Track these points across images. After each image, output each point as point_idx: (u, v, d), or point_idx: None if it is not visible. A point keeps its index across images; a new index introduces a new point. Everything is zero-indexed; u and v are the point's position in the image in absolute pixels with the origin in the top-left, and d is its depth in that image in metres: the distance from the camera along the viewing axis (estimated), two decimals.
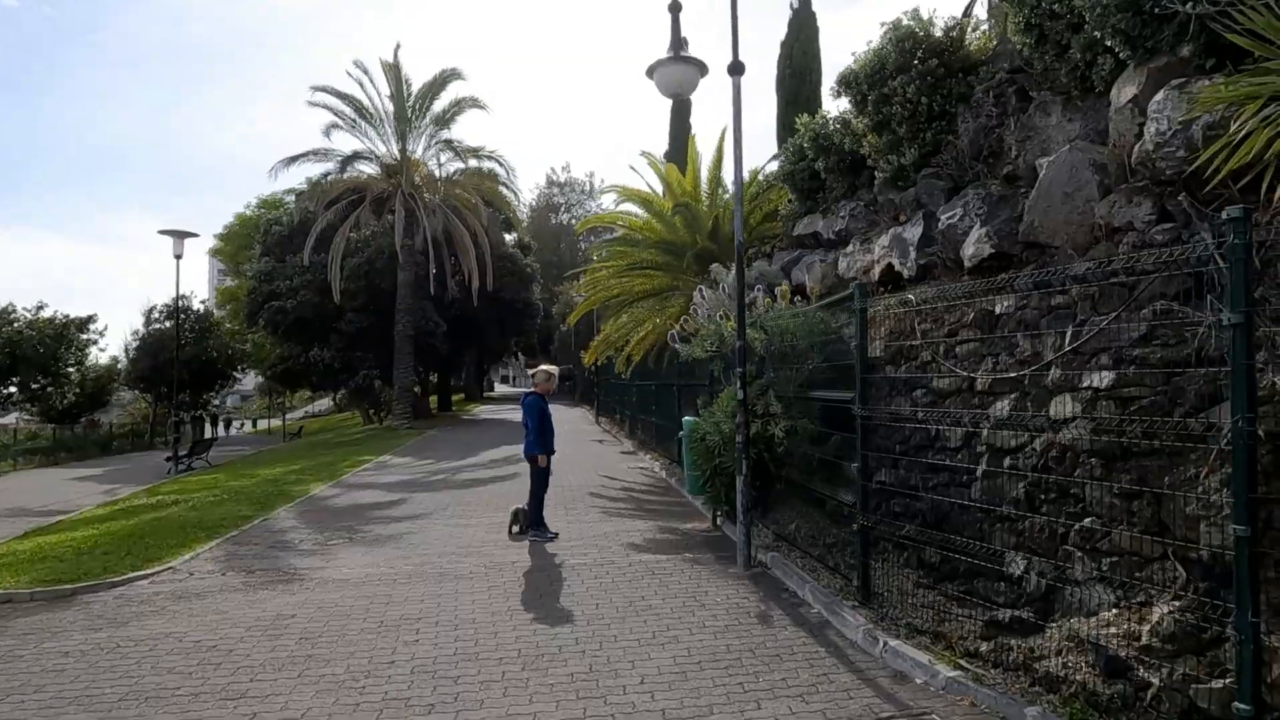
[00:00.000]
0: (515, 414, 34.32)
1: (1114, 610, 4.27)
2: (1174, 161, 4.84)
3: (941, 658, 4.51)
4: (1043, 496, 5.13)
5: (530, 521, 8.49)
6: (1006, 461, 5.54)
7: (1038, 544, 5.02)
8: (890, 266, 8.43)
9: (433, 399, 36.76)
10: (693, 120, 31.14)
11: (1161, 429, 4.49)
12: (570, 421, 27.44)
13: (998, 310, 6.26)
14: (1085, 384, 5.06)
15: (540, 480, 8.62)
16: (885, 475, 7.00)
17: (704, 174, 15.11)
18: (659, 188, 15.72)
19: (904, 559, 6.50)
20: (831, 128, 11.26)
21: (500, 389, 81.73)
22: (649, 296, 15.36)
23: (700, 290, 9.62)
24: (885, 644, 4.78)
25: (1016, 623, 4.67)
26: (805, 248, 12.07)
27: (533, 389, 8.79)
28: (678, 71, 7.19)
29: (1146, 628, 3.89)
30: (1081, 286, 5.35)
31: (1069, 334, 5.30)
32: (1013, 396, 5.70)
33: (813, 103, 18.11)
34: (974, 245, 6.73)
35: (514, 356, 55.72)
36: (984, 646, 4.53)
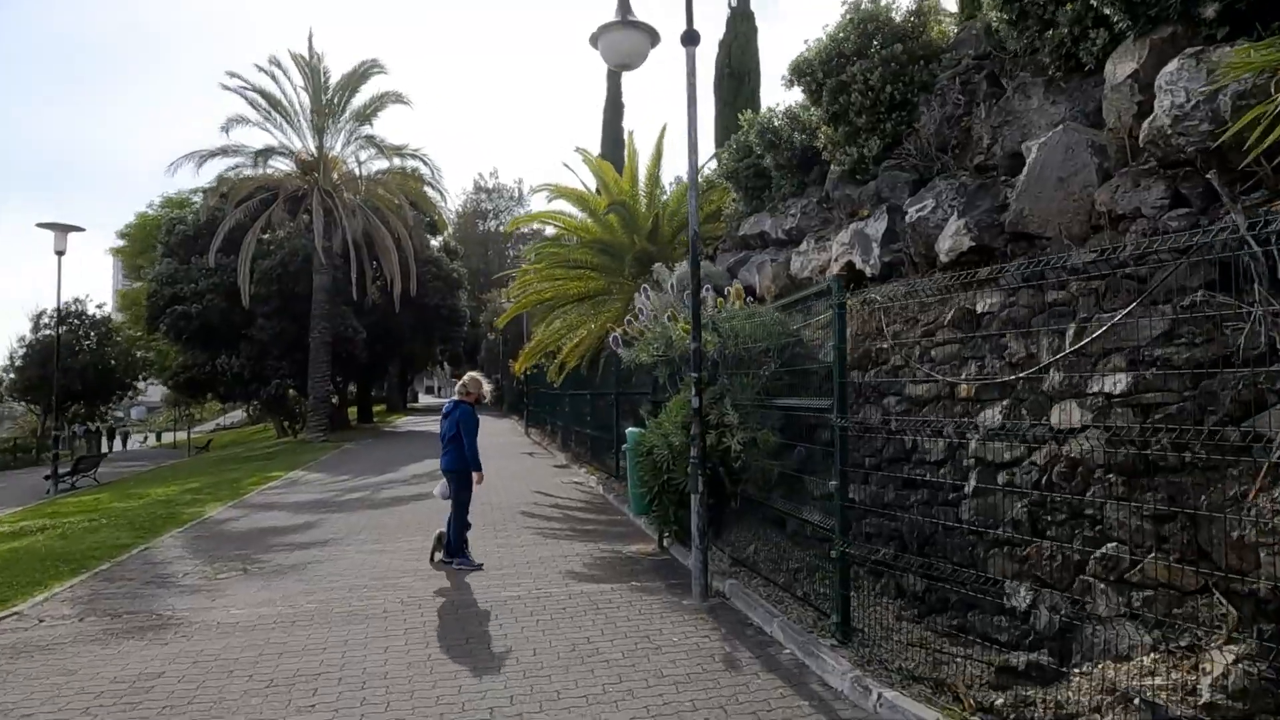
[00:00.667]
0: (439, 426, 32.85)
1: (1152, 655, 3.63)
2: (1197, 137, 4.28)
3: (951, 714, 3.80)
4: (1049, 518, 4.49)
5: (453, 547, 7.53)
6: (1001, 477, 4.90)
7: (1046, 573, 4.37)
8: (851, 264, 7.81)
9: (352, 410, 35.00)
10: (626, 124, 30.49)
11: (1194, 440, 3.90)
12: (499, 433, 26.29)
13: (980, 308, 5.66)
14: (1094, 389, 4.45)
15: (466, 501, 7.68)
16: (855, 492, 6.32)
17: (642, 172, 14.39)
18: (595, 186, 14.92)
19: (880, 586, 5.82)
20: (780, 122, 10.68)
21: (425, 399, 79.33)
22: (584, 300, 14.53)
23: (644, 291, 8.85)
24: (880, 696, 4.04)
25: (1034, 669, 3.99)
26: (751, 248, 11.44)
27: (462, 397, 7.83)
28: (625, 38, 6.41)
29: (1207, 680, 3.24)
30: (1084, 280, 4.77)
31: (1070, 333, 4.69)
32: (1004, 404, 5.08)
33: (752, 104, 17.62)
34: (951, 238, 6.14)
35: (439, 366, 53.95)
36: (998, 699, 3.84)
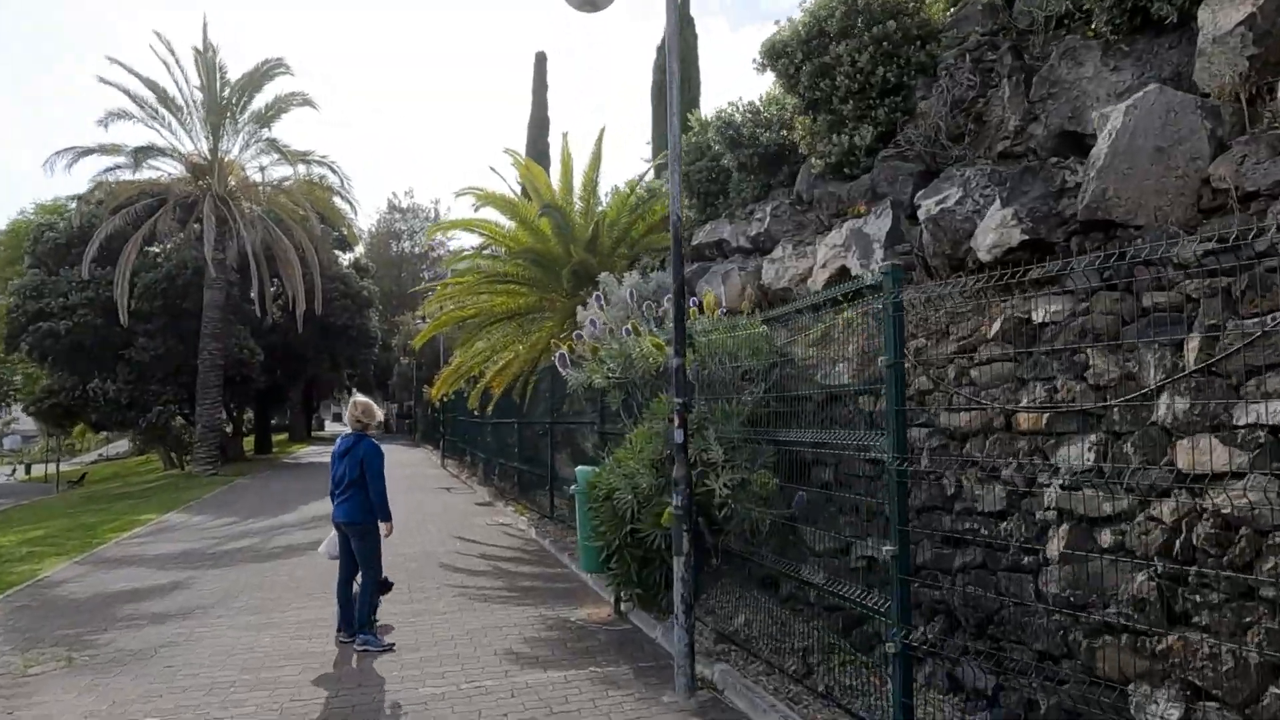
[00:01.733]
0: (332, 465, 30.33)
1: None
2: None
3: None
4: (1195, 598, 3.28)
5: (360, 621, 5.89)
6: (1106, 537, 3.68)
7: (1206, 678, 3.13)
8: (844, 270, 6.61)
9: (249, 440, 32.14)
10: (551, 141, 29.19)
11: None
12: (412, 465, 24.26)
13: (1040, 317, 4.49)
14: (1244, 419, 3.29)
15: (377, 559, 6.07)
16: (860, 548, 5.04)
17: (578, 178, 13.03)
18: (525, 194, 13.45)
19: (924, 676, 4.52)
20: (742, 117, 9.51)
21: (332, 428, 75.30)
22: (512, 318, 12.99)
23: (597, 299, 7.43)
24: None
25: None
26: (707, 259, 10.18)
27: (362, 428, 6.21)
28: None
29: None
30: (1204, 276, 3.62)
31: (1193, 345, 3.53)
32: (1092, 439, 3.89)
33: (691, 111, 16.62)
34: (995, 232, 4.97)
35: (346, 392, 50.97)
36: None
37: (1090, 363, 4.09)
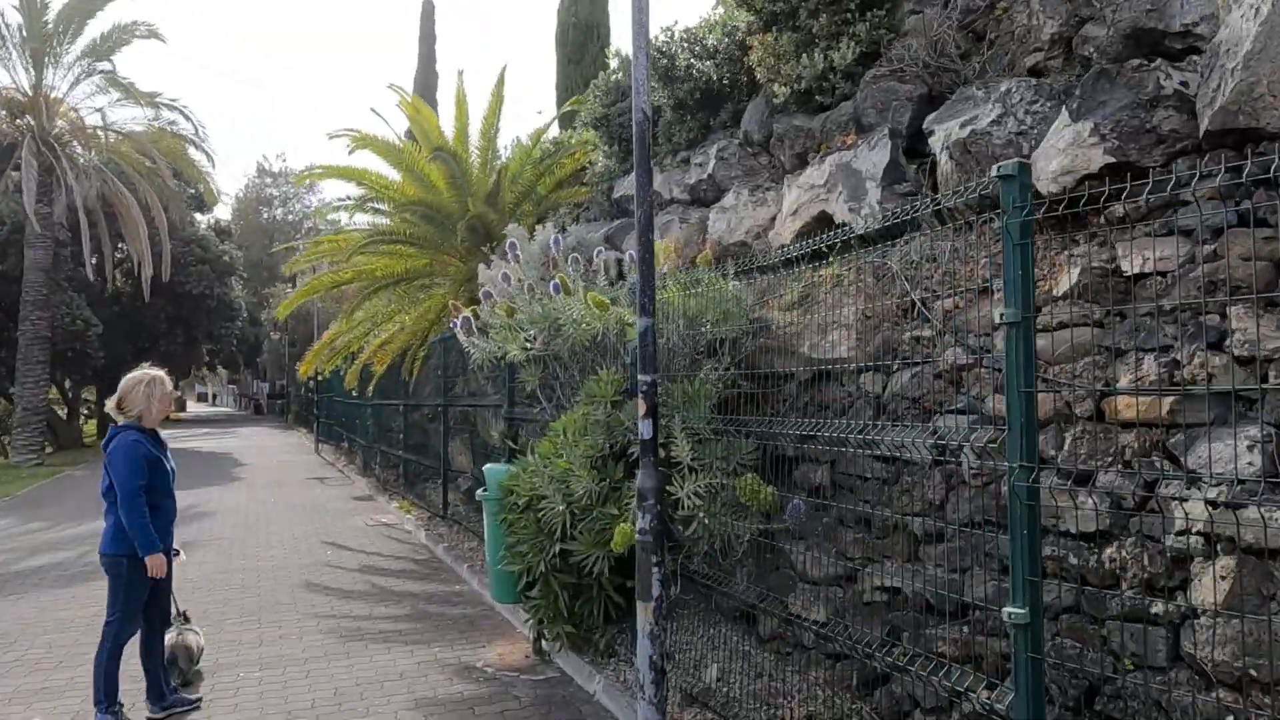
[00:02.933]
0: (207, 441, 27.24)
1: None
2: None
3: None
4: None
5: (96, 693, 4.09)
6: None
7: None
8: (825, 216, 5.30)
9: (90, 425, 28.49)
10: (439, 99, 26.86)
11: None
12: (282, 451, 21.81)
13: (1136, 265, 3.31)
14: None
15: (127, 611, 4.22)
16: (877, 574, 3.79)
17: (476, 122, 11.26)
18: (416, 142, 11.56)
19: None
20: (678, 46, 8.07)
21: (197, 409, 69.64)
22: (397, 283, 11.15)
23: (512, 245, 5.81)
24: None
25: None
26: (628, 215, 8.73)
27: (122, 419, 4.33)
28: None
29: None
30: None
31: None
32: (1252, 435, 2.72)
33: (600, 63, 15.12)
34: (1065, 155, 3.72)
35: (210, 369, 46.71)
36: None
37: (1233, 327, 2.91)
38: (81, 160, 19.88)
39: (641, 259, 3.42)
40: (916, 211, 3.49)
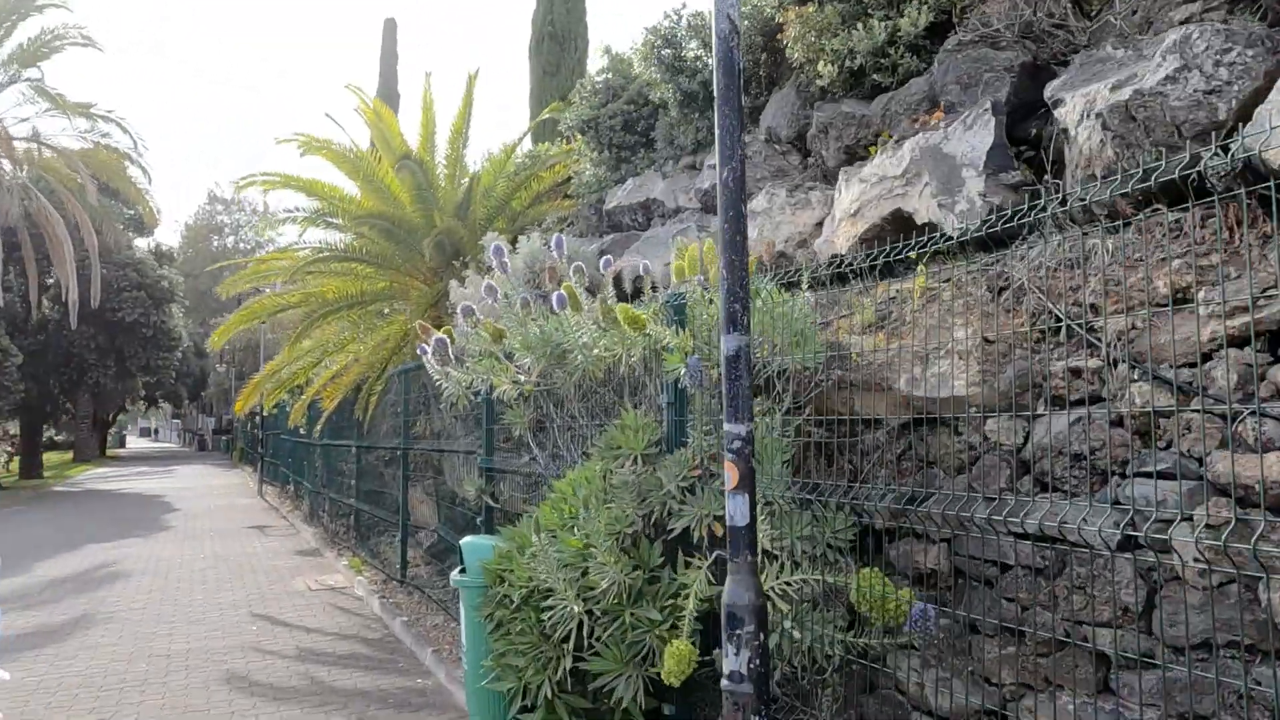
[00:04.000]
0: (140, 481, 25.04)
1: None
2: None
3: None
4: None
5: None
6: None
7: None
8: (900, 216, 4.18)
9: (13, 463, 26.21)
10: (402, 115, 25.61)
11: None
12: (223, 493, 20.02)
13: None
14: None
15: None
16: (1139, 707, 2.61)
17: (444, 129, 10.07)
18: (377, 151, 10.30)
19: None
20: (686, 33, 7.01)
21: (139, 445, 66.33)
22: (351, 307, 9.81)
23: (497, 251, 4.51)
24: None
25: None
26: (626, 229, 7.59)
27: None
28: None
29: None
30: None
31: None
32: None
33: (577, 74, 14.13)
34: None
35: (152, 403, 44.21)
36: None
37: None
38: (6, 177, 18.18)
39: (729, 243, 2.24)
40: (1111, 190, 2.38)
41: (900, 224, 4.20)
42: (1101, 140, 3.27)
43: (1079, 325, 3.03)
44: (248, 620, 7.06)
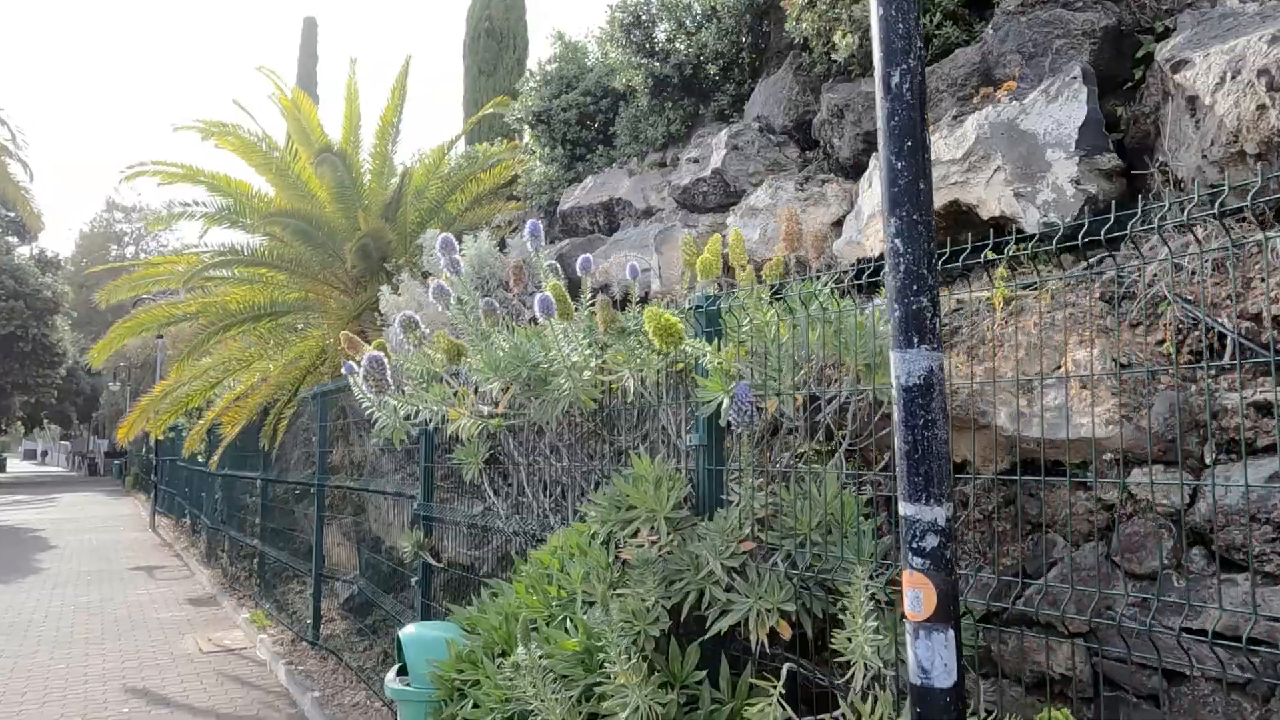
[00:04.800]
0: (16, 512, 22.44)
1: None
2: None
3: None
4: None
5: None
6: None
7: None
8: (959, 207, 3.39)
9: None
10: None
11: None
12: (110, 525, 18.02)
13: None
14: None
15: None
16: None
17: (372, 122, 8.98)
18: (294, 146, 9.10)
19: None
20: (659, 12, 6.18)
21: (21, 469, 61.23)
22: (259, 319, 8.55)
23: (444, 244, 3.48)
24: None
25: None
26: (582, 233, 6.68)
27: None
28: None
29: None
30: None
31: None
32: None
33: (516, 75, 13.23)
34: None
35: (33, 424, 40.67)
36: None
37: None
38: None
39: (904, 193, 1.35)
40: None
41: (957, 219, 3.42)
42: (1262, 106, 2.53)
43: (1252, 343, 2.27)
44: (119, 698, 5.77)
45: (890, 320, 1.34)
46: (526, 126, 7.59)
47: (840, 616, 2.01)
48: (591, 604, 2.39)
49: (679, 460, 2.65)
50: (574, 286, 5.10)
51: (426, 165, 9.26)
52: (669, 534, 2.33)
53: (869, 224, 3.82)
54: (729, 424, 2.32)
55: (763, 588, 2.16)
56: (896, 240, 1.30)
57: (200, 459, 11.93)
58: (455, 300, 3.23)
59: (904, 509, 1.30)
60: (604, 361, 2.80)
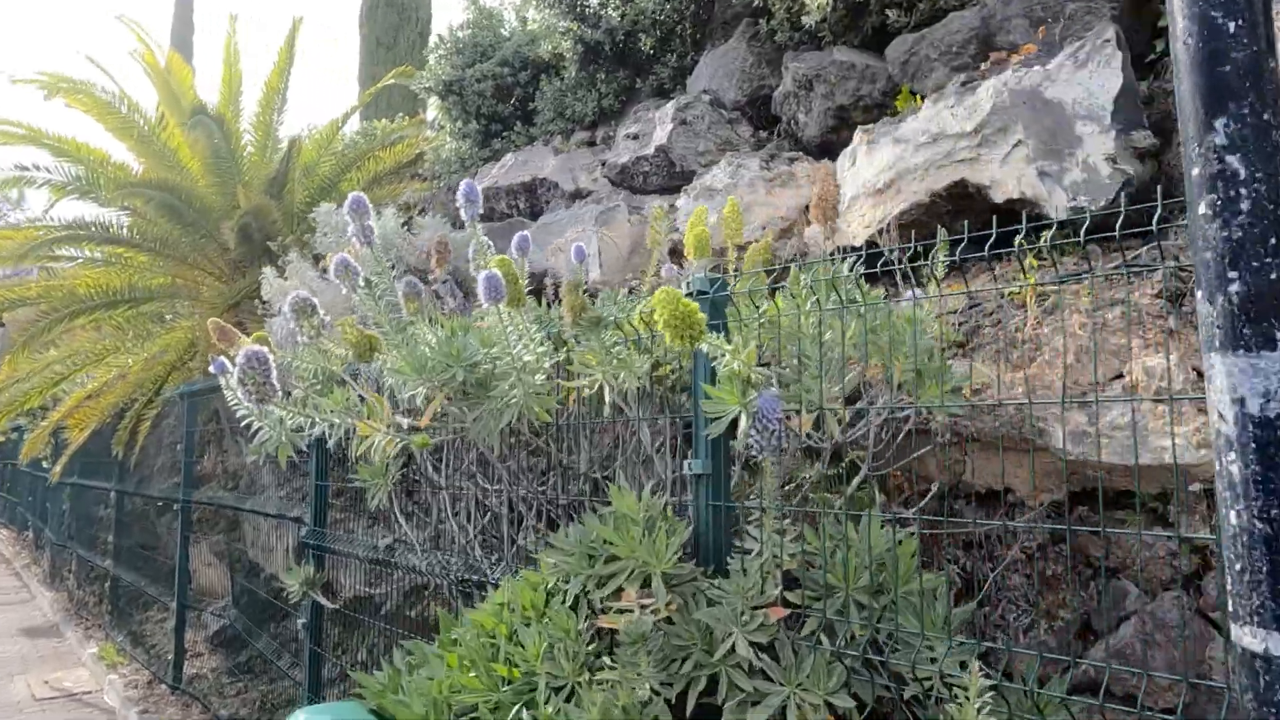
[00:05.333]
0: None
1: None
2: None
3: None
4: None
5: None
6: None
7: None
8: (966, 189, 2.94)
9: None
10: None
11: None
12: None
13: None
14: None
15: None
16: None
17: (254, 87, 7.98)
18: (152, 101, 7.95)
19: None
20: None
21: None
22: (116, 305, 7.40)
23: (358, 209, 2.78)
24: None
25: None
26: (496, 217, 6.00)
27: None
28: None
29: None
30: None
31: None
32: None
33: (419, 48, 12.40)
34: None
35: None
36: None
37: None
38: None
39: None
40: None
41: (962, 201, 2.96)
42: None
43: None
44: None
45: (1212, 302, 0.80)
46: (435, 97, 6.81)
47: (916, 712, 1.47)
48: (559, 690, 1.76)
49: (667, 493, 2.05)
50: (537, 278, 4.43)
51: (318, 140, 8.32)
52: (668, 596, 1.73)
53: (851, 207, 3.34)
54: (749, 446, 1.74)
55: (803, 672, 1.60)
56: (1231, 159, 0.76)
57: (46, 464, 10.48)
58: (363, 282, 2.52)
59: (1250, 638, 0.76)
60: (566, 362, 2.18)
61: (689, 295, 1.92)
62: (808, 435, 1.91)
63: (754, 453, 1.75)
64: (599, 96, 5.58)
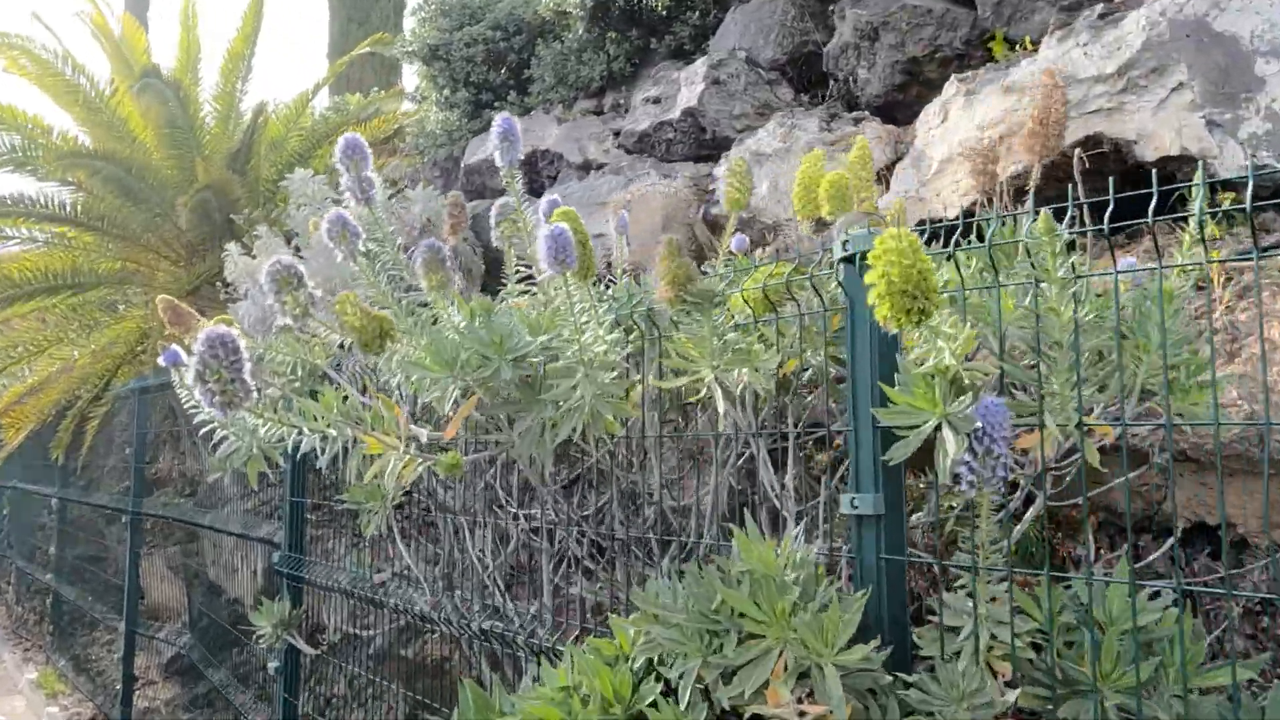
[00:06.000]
0: None
1: None
2: None
3: None
4: None
5: None
6: None
7: None
8: (1099, 144, 2.41)
9: None
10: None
11: None
12: None
13: None
14: None
15: None
16: None
17: (215, 53, 7.25)
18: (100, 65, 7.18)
19: None
20: None
21: None
22: (58, 291, 6.65)
23: (353, 155, 2.22)
24: None
25: None
26: (488, 193, 5.41)
27: None
28: None
29: None
30: None
31: None
32: None
33: (392, 25, 11.76)
34: None
35: None
36: None
37: None
38: None
39: None
40: None
41: (1093, 162, 2.43)
42: None
43: None
44: None
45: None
46: (419, 63, 6.18)
47: None
48: None
49: (802, 538, 1.49)
50: (494, 261, 3.83)
51: (286, 115, 7.61)
52: (845, 700, 1.17)
53: (936, 174, 2.80)
54: (957, 477, 1.19)
55: None
56: None
57: None
58: (364, 246, 1.91)
59: None
60: (637, 353, 1.61)
61: (845, 259, 1.35)
62: (1016, 462, 1.36)
63: (962, 486, 1.20)
64: (608, 59, 4.99)
